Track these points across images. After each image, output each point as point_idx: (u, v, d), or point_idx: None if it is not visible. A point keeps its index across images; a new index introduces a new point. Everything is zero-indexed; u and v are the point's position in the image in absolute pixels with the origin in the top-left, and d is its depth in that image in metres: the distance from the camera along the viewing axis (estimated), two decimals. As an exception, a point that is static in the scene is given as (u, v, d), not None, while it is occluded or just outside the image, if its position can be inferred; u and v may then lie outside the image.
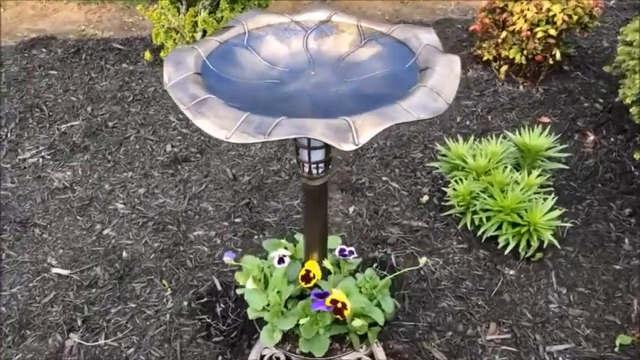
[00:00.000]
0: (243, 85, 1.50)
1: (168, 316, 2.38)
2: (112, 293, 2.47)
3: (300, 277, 1.83)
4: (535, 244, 2.48)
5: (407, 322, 2.33)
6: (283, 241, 2.02)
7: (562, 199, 2.75)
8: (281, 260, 1.90)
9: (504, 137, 2.81)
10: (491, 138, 2.77)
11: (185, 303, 2.42)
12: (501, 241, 2.51)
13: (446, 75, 1.44)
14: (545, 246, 2.49)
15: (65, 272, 2.56)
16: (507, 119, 3.33)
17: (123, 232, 2.74)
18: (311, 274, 1.82)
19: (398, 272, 2.17)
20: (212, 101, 1.35)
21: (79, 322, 2.36)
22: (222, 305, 2.41)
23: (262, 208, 2.83)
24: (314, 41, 1.64)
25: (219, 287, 2.49)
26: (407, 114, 1.30)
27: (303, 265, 1.90)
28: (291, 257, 1.95)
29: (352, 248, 1.99)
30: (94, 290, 2.49)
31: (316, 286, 1.84)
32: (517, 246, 2.49)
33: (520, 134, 2.75)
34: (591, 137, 3.14)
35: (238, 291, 2.00)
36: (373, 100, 1.37)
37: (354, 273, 2.00)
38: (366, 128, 1.28)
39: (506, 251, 2.50)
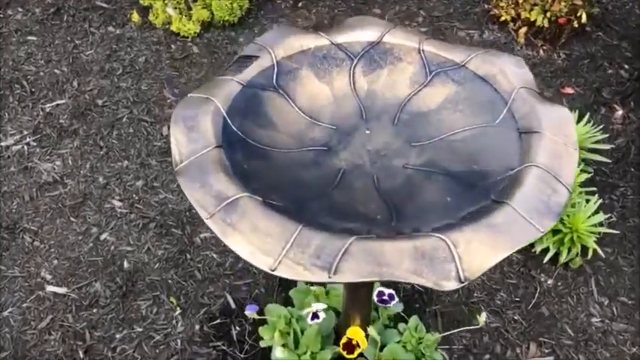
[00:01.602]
0: (280, 158, 1.00)
1: (179, 342, 1.97)
2: (115, 314, 2.04)
3: (341, 346, 1.41)
4: (577, 250, 2.07)
5: (442, 345, 1.95)
6: (314, 288, 1.58)
7: (594, 187, 2.33)
8: (315, 316, 1.47)
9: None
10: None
11: (197, 326, 2.00)
12: (538, 249, 2.10)
13: (560, 144, 0.95)
14: (589, 255, 2.09)
15: (62, 290, 2.11)
16: (528, 90, 2.83)
17: (122, 237, 2.27)
18: (354, 342, 1.40)
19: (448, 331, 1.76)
20: (246, 203, 0.86)
21: (81, 354, 1.94)
22: (237, 328, 2.01)
23: (273, 204, 2.36)
24: (363, 77, 1.13)
25: (232, 305, 2.07)
26: (527, 226, 0.83)
27: (338, 315, 1.48)
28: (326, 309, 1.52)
29: (392, 291, 1.56)
30: (95, 311, 2.06)
31: (361, 355, 1.42)
32: (557, 253, 2.08)
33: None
34: (619, 112, 2.68)
35: (262, 344, 1.58)
36: (459, 183, 0.90)
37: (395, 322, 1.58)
38: (476, 255, 0.81)
39: (545, 259, 2.09)
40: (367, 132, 1.05)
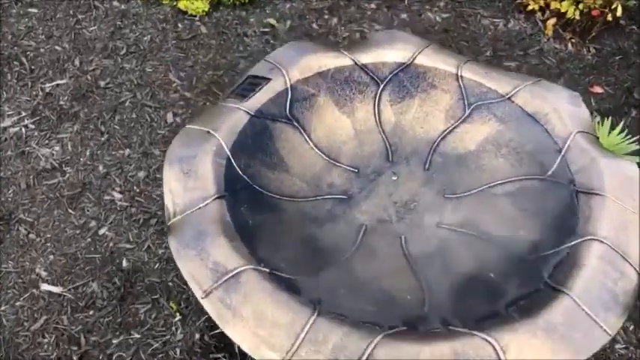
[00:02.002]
0: (291, 209, 0.83)
1: (178, 351, 1.84)
2: (112, 318, 1.91)
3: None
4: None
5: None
6: None
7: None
8: None
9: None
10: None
11: (197, 335, 1.87)
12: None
13: (628, 211, 0.78)
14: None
15: (57, 290, 1.98)
16: (554, 87, 2.62)
17: (122, 233, 2.12)
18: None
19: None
20: (249, 279, 0.70)
21: (76, 360, 1.81)
22: (240, 338, 1.86)
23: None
24: (390, 107, 0.95)
25: (235, 313, 1.91)
26: (591, 327, 0.67)
27: None
28: None
29: None
30: (91, 313, 1.92)
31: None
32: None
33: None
34: (652, 115, 2.48)
35: None
36: (504, 253, 0.73)
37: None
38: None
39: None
40: (394, 178, 0.87)
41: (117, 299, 1.97)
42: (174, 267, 2.04)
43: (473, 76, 0.94)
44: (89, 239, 2.13)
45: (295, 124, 0.90)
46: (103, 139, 2.44)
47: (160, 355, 1.85)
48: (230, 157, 0.83)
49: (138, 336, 1.89)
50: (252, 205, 0.79)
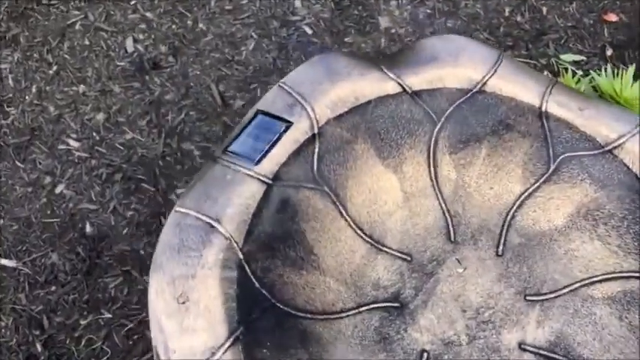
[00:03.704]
0: (328, 336, 0.59)
1: (156, 332, 1.65)
2: (78, 295, 1.70)
3: None
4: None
5: None
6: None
7: None
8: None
9: (576, 75, 1.89)
10: (551, 59, 1.86)
11: (176, 314, 1.67)
12: None
13: None
14: None
15: (11, 263, 1.73)
16: (566, 15, 2.33)
17: (82, 191, 1.85)
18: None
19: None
20: None
21: (39, 347, 1.61)
22: (224, 316, 1.68)
23: (264, 155, 1.93)
24: (449, 157, 0.70)
25: (218, 288, 1.72)
26: None
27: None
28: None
29: None
30: (53, 289, 1.70)
31: None
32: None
33: (604, 73, 1.84)
34: (671, 51, 2.23)
35: None
36: None
37: None
38: None
39: None
40: (459, 270, 0.64)
41: (82, 273, 1.74)
42: (147, 232, 1.80)
43: (561, 112, 0.69)
44: (44, 199, 1.84)
45: (326, 189, 0.64)
46: (51, 72, 2.07)
47: (136, 337, 1.67)
48: (244, 263, 0.58)
49: (109, 315, 1.68)
50: (277, 340, 0.56)
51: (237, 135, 0.67)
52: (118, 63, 2.09)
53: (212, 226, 0.60)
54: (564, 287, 0.65)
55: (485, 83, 0.69)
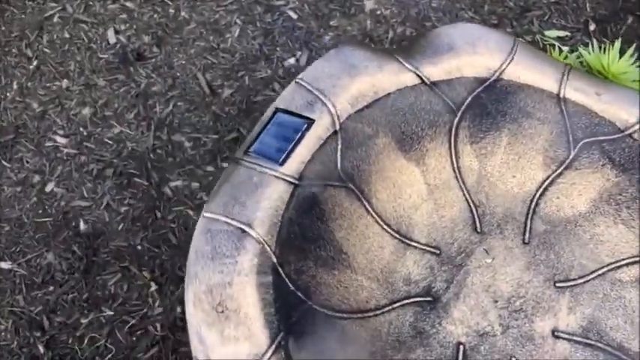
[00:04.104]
0: (365, 335, 0.59)
1: (159, 327, 1.65)
2: (77, 294, 1.67)
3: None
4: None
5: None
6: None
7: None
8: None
9: (562, 51, 1.89)
10: (536, 36, 1.86)
11: (179, 308, 1.67)
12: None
13: None
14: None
15: (6, 265, 1.70)
16: (549, -10, 2.32)
17: (73, 188, 1.81)
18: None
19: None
20: None
21: (41, 349, 1.59)
22: (226, 307, 1.67)
23: (256, 143, 1.91)
24: (470, 147, 0.69)
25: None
26: None
27: None
28: None
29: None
30: (51, 289, 1.67)
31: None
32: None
33: (591, 49, 1.85)
34: (649, 22, 2.25)
35: None
36: None
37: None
38: None
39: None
40: (488, 260, 0.64)
41: (79, 271, 1.71)
42: (143, 226, 1.77)
43: (579, 97, 0.68)
44: (34, 198, 1.80)
45: (351, 186, 0.63)
46: (31, 66, 2.01)
47: (139, 333, 1.65)
48: (278, 267, 0.56)
49: (110, 313, 1.66)
50: (316, 343, 0.55)
51: (257, 135, 0.66)
52: (101, 55, 2.03)
53: (244, 231, 0.59)
54: (592, 272, 0.66)
55: (503, 71, 0.69)
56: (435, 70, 0.69)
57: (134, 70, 2.01)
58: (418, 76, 0.68)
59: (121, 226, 1.77)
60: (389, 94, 0.67)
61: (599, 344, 0.62)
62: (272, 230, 0.59)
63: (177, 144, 1.91)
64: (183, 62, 2.04)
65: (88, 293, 1.68)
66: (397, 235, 0.65)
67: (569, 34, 2.17)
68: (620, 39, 1.96)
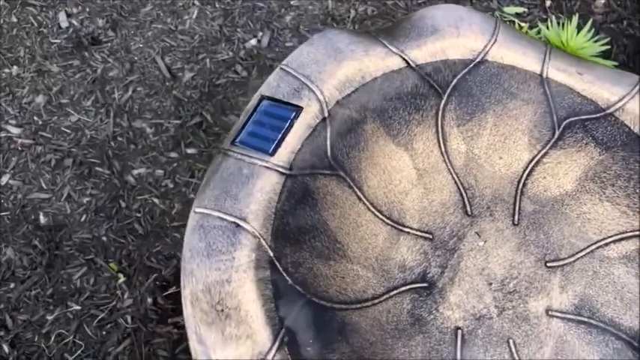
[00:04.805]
0: (365, 325, 0.57)
1: (129, 319, 1.60)
2: (40, 289, 1.61)
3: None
4: None
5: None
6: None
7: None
8: None
9: (522, 27, 1.91)
10: (495, 12, 1.88)
11: (149, 299, 1.63)
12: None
13: None
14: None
15: (-38, 263, 1.61)
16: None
17: (31, 180, 1.73)
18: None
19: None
20: None
21: (6, 348, 1.53)
22: (198, 295, 1.64)
23: (221, 128, 1.87)
24: (457, 129, 0.68)
25: (188, 268, 1.67)
26: None
27: None
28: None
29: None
30: (12, 286, 1.60)
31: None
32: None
33: (549, 24, 1.88)
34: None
35: None
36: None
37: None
38: None
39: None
40: (480, 243, 0.63)
41: (42, 266, 1.64)
42: (107, 217, 1.71)
43: (561, 77, 0.68)
44: (-10, 192, 1.71)
45: (341, 174, 0.61)
46: (-23, 53, 1.89)
47: (109, 326, 1.60)
48: (275, 261, 0.54)
49: (77, 307, 1.60)
50: (318, 336, 0.54)
51: (243, 124, 0.62)
52: (53, 40, 1.93)
53: (238, 226, 0.56)
54: (581, 250, 0.66)
55: (487, 53, 0.68)
56: (420, 53, 0.67)
57: (89, 55, 1.92)
58: (404, 59, 0.66)
59: (83, 218, 1.70)
60: (375, 78, 0.65)
61: (592, 321, 0.63)
62: (267, 223, 0.57)
63: (139, 130, 1.84)
64: (141, 46, 1.97)
65: (52, 288, 1.61)
66: (390, 222, 0.64)
67: (526, 10, 2.19)
68: (576, 14, 2.00)
